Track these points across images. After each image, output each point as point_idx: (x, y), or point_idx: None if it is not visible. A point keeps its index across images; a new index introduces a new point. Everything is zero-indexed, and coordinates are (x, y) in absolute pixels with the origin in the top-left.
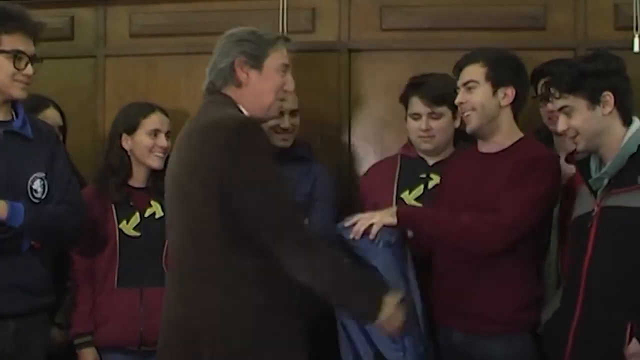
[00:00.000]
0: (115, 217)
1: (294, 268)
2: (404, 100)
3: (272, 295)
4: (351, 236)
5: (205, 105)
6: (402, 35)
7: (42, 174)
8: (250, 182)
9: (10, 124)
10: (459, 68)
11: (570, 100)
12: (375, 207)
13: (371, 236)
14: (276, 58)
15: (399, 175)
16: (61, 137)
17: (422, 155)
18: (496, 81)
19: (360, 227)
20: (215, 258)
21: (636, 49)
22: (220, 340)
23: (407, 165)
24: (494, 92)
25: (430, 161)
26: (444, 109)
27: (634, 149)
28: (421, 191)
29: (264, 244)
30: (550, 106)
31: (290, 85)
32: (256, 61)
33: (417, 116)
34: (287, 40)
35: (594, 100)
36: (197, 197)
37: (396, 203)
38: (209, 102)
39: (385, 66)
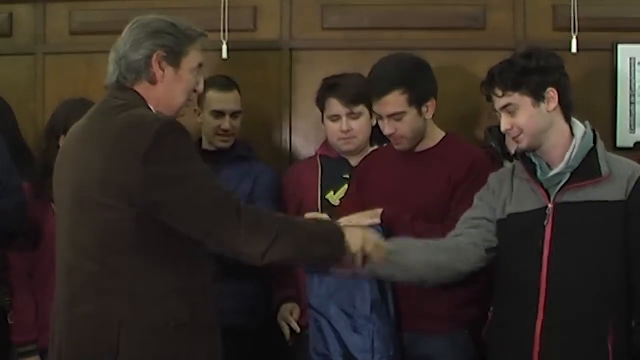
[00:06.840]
0: (55, 217)
1: (254, 253)
2: (320, 103)
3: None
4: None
5: (111, 102)
6: (343, 35)
7: None
8: (181, 190)
9: None
10: (375, 95)
11: (514, 98)
12: (301, 205)
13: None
14: (195, 57)
15: (321, 176)
16: None
17: (343, 155)
18: (419, 102)
19: None
20: (126, 272)
21: (574, 49)
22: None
23: (329, 166)
24: (420, 113)
25: (353, 161)
26: (361, 108)
27: (591, 145)
28: (345, 191)
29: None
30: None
31: (201, 86)
32: (175, 58)
33: (336, 118)
34: (205, 36)
35: (539, 97)
36: (106, 204)
37: (322, 204)
38: (118, 99)
39: (327, 65)
